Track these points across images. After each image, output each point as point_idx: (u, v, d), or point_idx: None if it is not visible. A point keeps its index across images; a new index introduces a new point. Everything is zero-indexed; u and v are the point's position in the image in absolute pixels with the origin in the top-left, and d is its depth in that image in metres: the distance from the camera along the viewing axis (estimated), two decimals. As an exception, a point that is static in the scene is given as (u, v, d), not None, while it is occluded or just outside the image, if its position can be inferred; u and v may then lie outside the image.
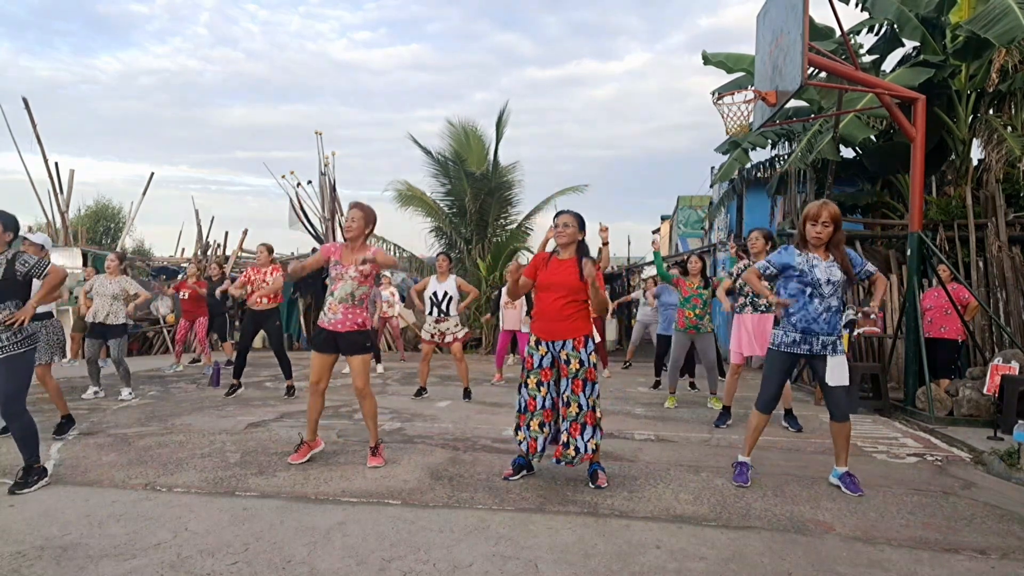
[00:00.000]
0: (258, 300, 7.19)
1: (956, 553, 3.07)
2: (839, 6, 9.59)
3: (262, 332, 7.58)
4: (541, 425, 4.03)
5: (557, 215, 4.12)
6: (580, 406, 3.90)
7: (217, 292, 8.62)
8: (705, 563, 2.89)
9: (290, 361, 7.42)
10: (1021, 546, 3.19)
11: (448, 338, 7.19)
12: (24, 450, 3.82)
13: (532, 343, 4.06)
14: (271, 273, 7.31)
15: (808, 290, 3.94)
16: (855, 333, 8.20)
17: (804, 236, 4.00)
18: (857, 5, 10.46)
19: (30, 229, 19.41)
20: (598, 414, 3.96)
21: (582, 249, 4.06)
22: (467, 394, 7.24)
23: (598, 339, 6.06)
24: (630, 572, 2.80)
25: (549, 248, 4.30)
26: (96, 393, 7.07)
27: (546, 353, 4.00)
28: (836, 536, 3.25)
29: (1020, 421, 4.59)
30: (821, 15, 18.73)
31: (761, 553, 3.01)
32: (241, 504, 3.58)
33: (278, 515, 3.41)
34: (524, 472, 4.15)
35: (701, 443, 5.30)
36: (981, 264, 9.13)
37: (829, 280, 3.91)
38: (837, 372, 3.91)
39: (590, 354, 3.97)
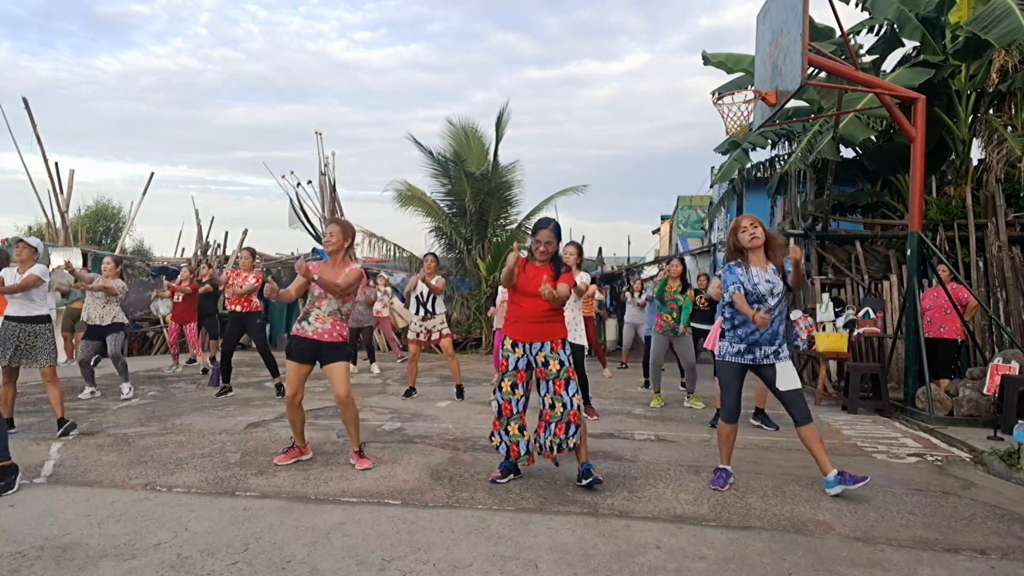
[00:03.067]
0: (232, 306, 7.24)
1: (956, 553, 3.07)
2: (839, 6, 9.60)
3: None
4: (521, 429, 4.05)
5: (538, 230, 4.07)
6: (564, 405, 3.92)
7: (202, 275, 8.62)
8: (705, 563, 2.89)
9: (275, 359, 7.38)
10: (1021, 546, 3.19)
11: (435, 335, 7.21)
12: None
13: (508, 345, 4.05)
14: (248, 279, 7.24)
15: (755, 306, 3.98)
16: (855, 333, 8.21)
17: (738, 247, 4.06)
18: (857, 5, 10.46)
19: (29, 230, 19.35)
20: (583, 414, 4.01)
21: (556, 257, 4.12)
22: (460, 392, 7.24)
23: (583, 342, 5.97)
24: (630, 572, 2.80)
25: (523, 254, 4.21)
26: (92, 393, 7.06)
27: (522, 355, 4.02)
28: (836, 536, 3.25)
29: (1020, 421, 4.60)
30: (821, 15, 18.77)
31: (761, 553, 3.01)
32: (241, 504, 3.58)
33: (278, 515, 3.41)
34: (512, 476, 4.11)
35: (701, 443, 5.30)
36: (981, 264, 9.13)
37: (772, 292, 3.96)
38: (786, 377, 3.95)
39: (569, 355, 4.01)
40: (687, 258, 15.04)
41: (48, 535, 3.10)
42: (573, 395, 3.95)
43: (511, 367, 4.02)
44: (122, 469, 4.23)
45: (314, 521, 3.33)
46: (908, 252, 7.10)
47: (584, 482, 3.92)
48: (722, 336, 4.15)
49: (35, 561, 2.81)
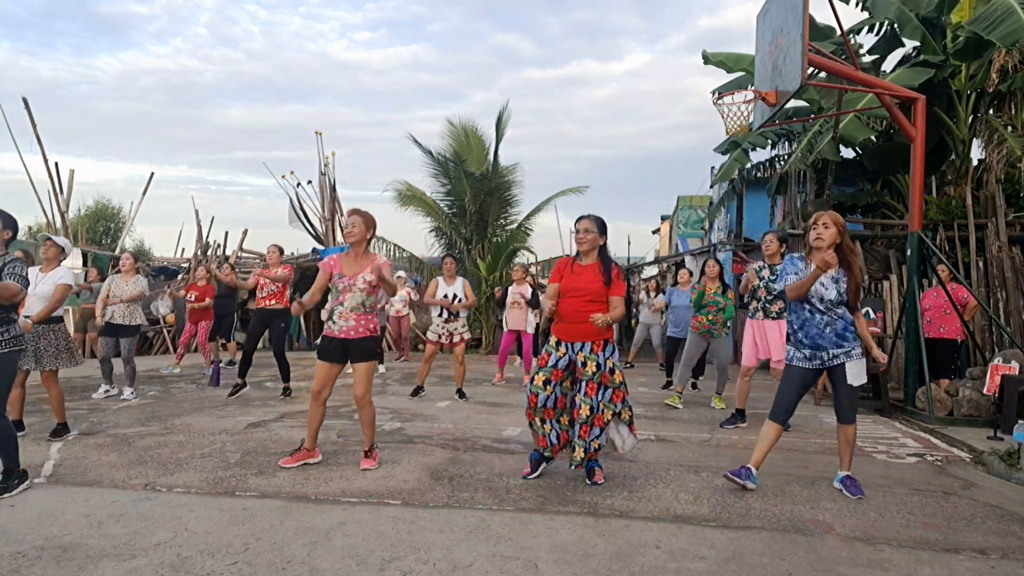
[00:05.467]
0: (267, 301, 7.19)
1: (956, 553, 3.07)
2: (839, 6, 9.59)
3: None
4: (543, 421, 4.09)
5: (578, 220, 4.09)
6: (591, 409, 3.94)
7: (223, 273, 8.45)
8: (705, 563, 2.89)
9: (289, 364, 7.39)
10: (1021, 546, 3.19)
11: (456, 338, 7.29)
12: (2, 454, 3.73)
13: (552, 343, 4.08)
14: (279, 271, 7.17)
15: (806, 305, 3.89)
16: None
17: (808, 243, 4.01)
18: (857, 5, 10.46)
19: (29, 230, 19.39)
20: (607, 417, 3.96)
21: (604, 254, 4.07)
22: (461, 395, 7.26)
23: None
24: (630, 572, 2.79)
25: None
26: (107, 392, 7.05)
27: (564, 355, 4.02)
28: (836, 536, 3.25)
29: (1020, 421, 4.60)
30: (821, 15, 18.71)
31: (761, 553, 3.01)
32: (241, 504, 3.57)
33: (278, 515, 3.41)
34: (543, 466, 4.17)
35: (701, 443, 5.30)
36: (981, 264, 9.13)
37: (822, 298, 3.84)
38: (854, 373, 3.85)
39: (608, 358, 3.98)
40: (687, 259, 15.04)
41: (48, 535, 3.10)
42: (602, 400, 3.94)
43: (549, 363, 4.03)
44: (122, 469, 4.23)
45: (314, 521, 3.33)
46: (908, 252, 7.10)
47: (588, 480, 3.99)
48: (788, 339, 4.07)
49: (35, 561, 2.81)
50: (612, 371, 3.98)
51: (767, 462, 4.58)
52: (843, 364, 3.86)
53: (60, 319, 5.22)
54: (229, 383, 7.49)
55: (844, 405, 3.94)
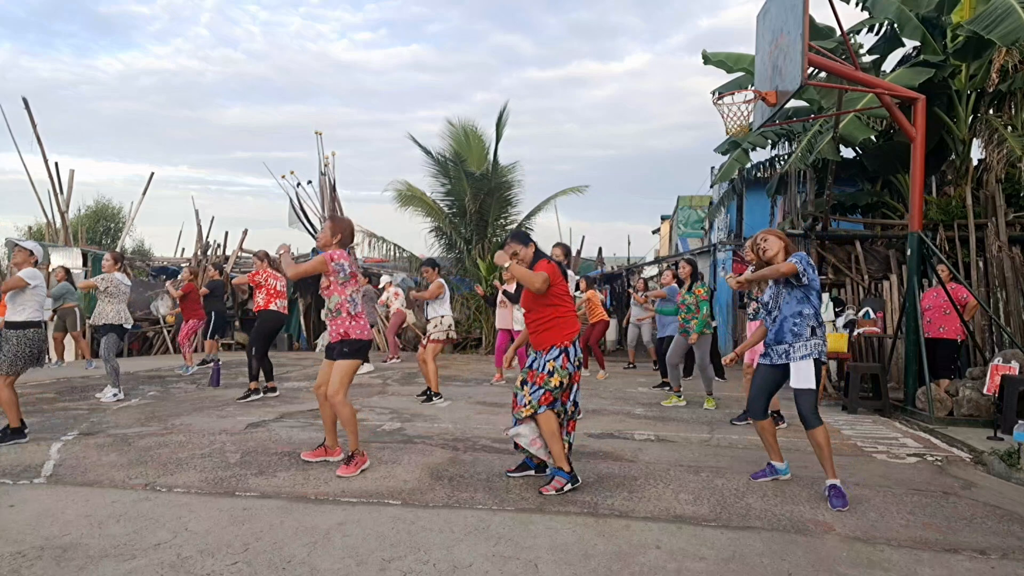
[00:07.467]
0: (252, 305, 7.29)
1: (956, 553, 3.07)
2: (839, 6, 9.59)
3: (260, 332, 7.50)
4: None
5: (505, 243, 4.18)
6: (565, 411, 4.03)
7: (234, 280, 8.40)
8: (705, 563, 2.89)
9: (258, 366, 7.11)
10: (1021, 546, 3.19)
11: (431, 337, 7.24)
12: None
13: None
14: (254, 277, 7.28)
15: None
16: (855, 333, 8.21)
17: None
18: (857, 5, 10.46)
19: (29, 230, 19.31)
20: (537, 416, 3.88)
21: (536, 257, 4.12)
22: (428, 396, 7.04)
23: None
24: (630, 572, 2.80)
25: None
26: (116, 395, 6.88)
27: (535, 358, 4.10)
28: (836, 536, 3.25)
29: (1020, 421, 4.60)
30: (821, 15, 18.74)
31: (761, 553, 3.01)
32: (241, 504, 3.57)
33: (278, 515, 3.41)
34: (526, 471, 4.18)
35: (701, 443, 5.30)
36: (981, 264, 9.13)
37: (765, 302, 4.13)
38: (798, 375, 3.83)
39: (548, 360, 3.90)
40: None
41: (48, 535, 3.10)
42: (531, 394, 3.88)
43: (527, 365, 4.11)
44: (122, 469, 4.23)
45: (314, 521, 3.33)
46: (908, 252, 7.10)
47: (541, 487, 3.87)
48: None
49: (35, 561, 2.81)
50: (551, 373, 3.87)
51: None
52: (787, 365, 3.92)
53: (24, 324, 4.97)
54: (229, 383, 7.48)
55: (798, 409, 3.88)
